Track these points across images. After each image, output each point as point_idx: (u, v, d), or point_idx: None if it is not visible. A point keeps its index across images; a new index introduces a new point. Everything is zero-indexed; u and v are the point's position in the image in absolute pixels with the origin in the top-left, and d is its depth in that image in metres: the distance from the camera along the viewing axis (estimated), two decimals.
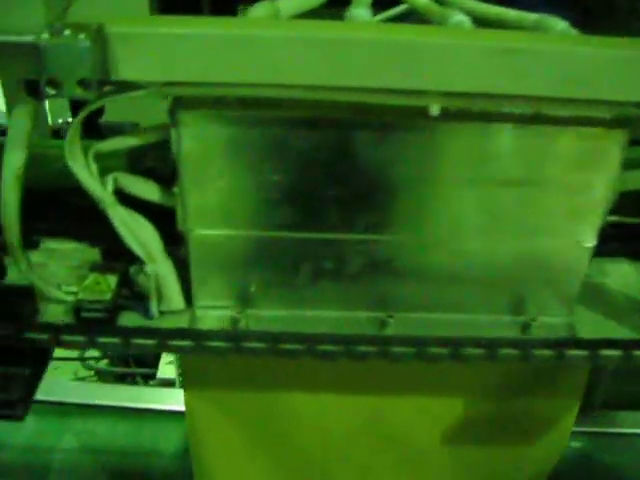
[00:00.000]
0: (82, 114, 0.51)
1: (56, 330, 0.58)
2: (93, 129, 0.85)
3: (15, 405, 0.56)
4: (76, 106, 0.80)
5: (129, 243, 0.57)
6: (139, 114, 0.80)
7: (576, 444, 1.28)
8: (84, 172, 0.54)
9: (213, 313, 0.62)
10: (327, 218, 0.58)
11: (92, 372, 1.62)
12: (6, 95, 0.54)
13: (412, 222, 0.59)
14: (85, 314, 0.59)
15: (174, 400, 1.31)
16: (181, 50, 0.47)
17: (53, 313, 0.61)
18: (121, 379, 1.60)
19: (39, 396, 0.65)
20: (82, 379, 1.63)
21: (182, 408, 0.74)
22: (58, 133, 1.07)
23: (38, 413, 1.30)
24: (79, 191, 0.55)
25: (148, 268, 0.58)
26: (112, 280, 0.62)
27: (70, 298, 0.61)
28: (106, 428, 1.32)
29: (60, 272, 0.65)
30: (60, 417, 1.33)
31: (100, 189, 0.55)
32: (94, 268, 0.63)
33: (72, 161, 0.53)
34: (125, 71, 0.46)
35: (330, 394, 0.74)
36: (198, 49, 0.47)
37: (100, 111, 0.84)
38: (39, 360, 0.61)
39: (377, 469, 0.81)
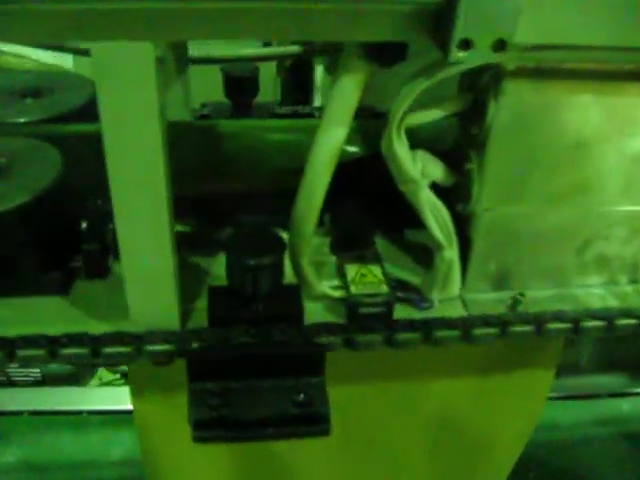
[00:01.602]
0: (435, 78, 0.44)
1: (341, 330, 0.52)
2: (244, 108, 0.76)
3: (322, 419, 0.50)
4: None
5: (431, 227, 0.51)
6: None
7: None
8: (403, 149, 0.47)
9: (485, 297, 0.57)
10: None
11: None
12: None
13: None
14: (364, 310, 0.53)
15: None
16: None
17: (316, 312, 0.54)
18: None
19: None
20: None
21: None
22: None
23: None
24: None
25: (445, 253, 0.52)
26: (375, 270, 0.56)
27: (337, 294, 0.55)
28: None
29: None
30: None
31: (413, 169, 0.49)
32: (348, 257, 0.57)
33: (397, 136, 0.47)
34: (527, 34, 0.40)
35: None
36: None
37: (254, 90, 0.76)
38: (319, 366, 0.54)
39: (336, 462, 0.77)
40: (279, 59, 0.96)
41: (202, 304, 0.53)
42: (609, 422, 1.52)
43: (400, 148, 0.47)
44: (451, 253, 0.52)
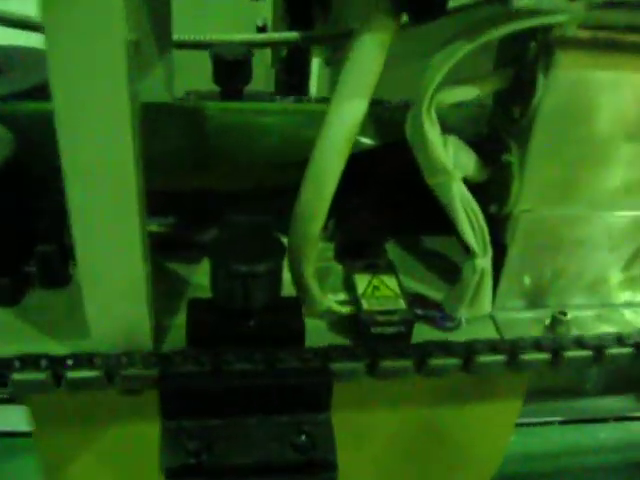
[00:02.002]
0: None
1: (357, 354, 0.42)
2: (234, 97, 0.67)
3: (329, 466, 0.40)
4: None
5: (463, 229, 0.42)
6: None
7: None
8: (434, 132, 0.38)
9: (518, 316, 0.48)
10: None
11: None
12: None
13: None
14: (378, 330, 0.44)
15: None
16: None
17: (317, 331, 0.45)
18: None
19: None
20: None
21: None
22: None
23: None
24: None
25: (477, 262, 0.43)
26: (390, 281, 0.47)
27: (345, 310, 0.45)
28: None
29: None
30: None
31: (445, 157, 0.40)
32: (357, 267, 0.47)
33: (427, 117, 0.38)
34: None
35: None
36: None
37: (246, 75, 0.66)
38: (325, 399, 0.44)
39: None
40: (274, 46, 0.87)
41: (180, 320, 0.44)
42: (616, 448, 1.44)
43: (431, 131, 0.38)
44: (484, 262, 0.43)
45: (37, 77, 0.54)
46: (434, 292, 0.49)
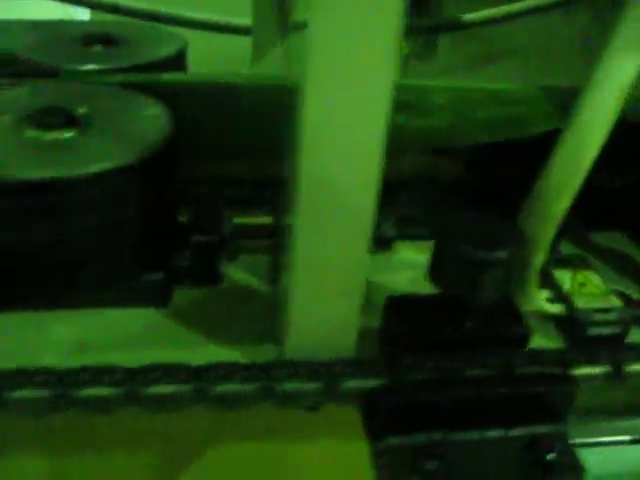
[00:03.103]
0: None
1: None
2: None
3: None
4: None
5: None
6: None
7: None
8: None
9: None
10: None
11: None
12: None
13: None
14: (594, 331, 0.39)
15: None
16: None
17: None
18: None
19: None
20: None
21: None
22: None
23: None
24: None
25: None
26: (593, 277, 0.42)
27: (555, 309, 0.40)
28: None
29: None
30: None
31: None
32: (554, 261, 0.42)
33: None
34: None
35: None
36: None
37: None
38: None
39: None
40: None
41: (370, 321, 0.38)
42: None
43: None
44: None
45: (164, 51, 0.48)
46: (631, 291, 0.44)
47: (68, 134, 0.37)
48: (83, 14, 0.85)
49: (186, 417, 0.35)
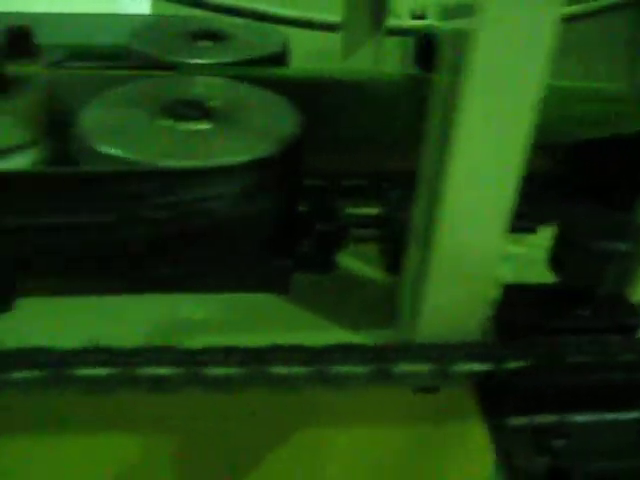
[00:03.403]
0: None
1: None
2: None
3: None
4: None
5: None
6: None
7: None
8: None
9: None
10: None
11: None
12: None
13: None
14: None
15: None
16: None
17: None
18: None
19: None
20: None
21: None
22: None
23: None
24: None
25: None
26: None
27: None
28: None
29: None
30: None
31: None
32: None
33: None
34: None
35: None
36: None
37: None
38: None
39: None
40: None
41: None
42: None
43: None
44: None
45: (271, 47, 0.49)
46: None
47: (204, 126, 0.39)
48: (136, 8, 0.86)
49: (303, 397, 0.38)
